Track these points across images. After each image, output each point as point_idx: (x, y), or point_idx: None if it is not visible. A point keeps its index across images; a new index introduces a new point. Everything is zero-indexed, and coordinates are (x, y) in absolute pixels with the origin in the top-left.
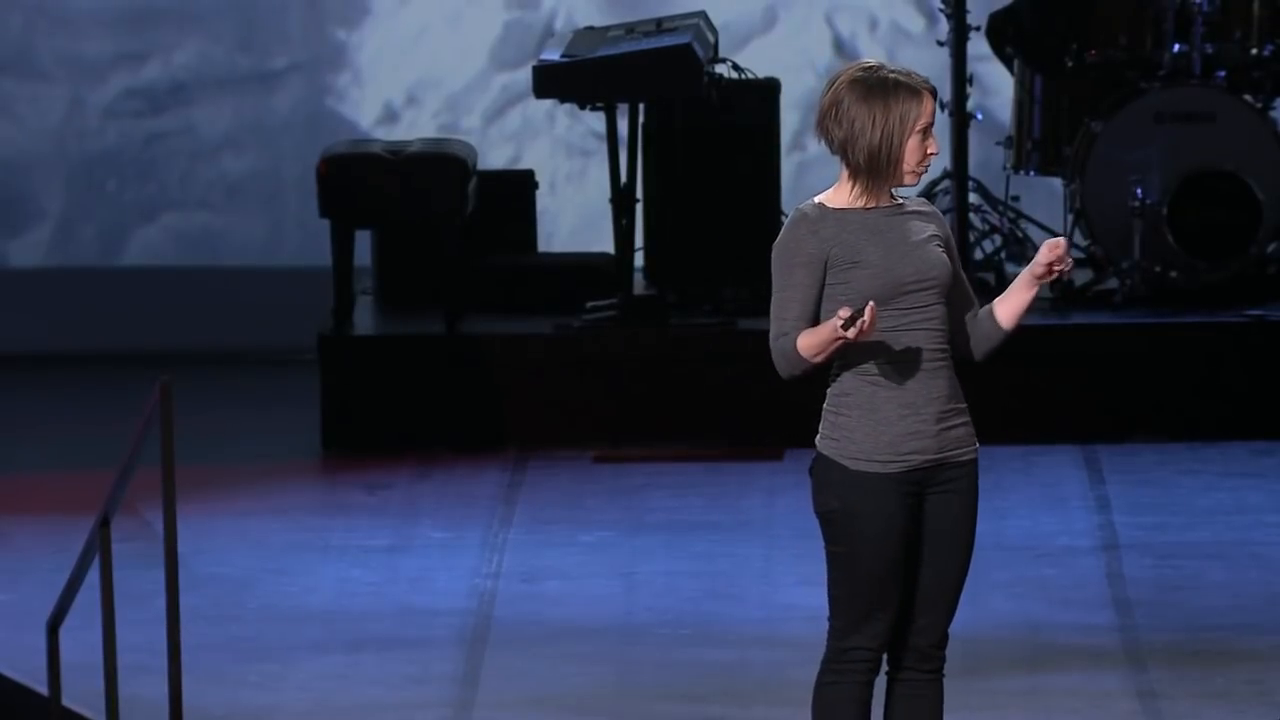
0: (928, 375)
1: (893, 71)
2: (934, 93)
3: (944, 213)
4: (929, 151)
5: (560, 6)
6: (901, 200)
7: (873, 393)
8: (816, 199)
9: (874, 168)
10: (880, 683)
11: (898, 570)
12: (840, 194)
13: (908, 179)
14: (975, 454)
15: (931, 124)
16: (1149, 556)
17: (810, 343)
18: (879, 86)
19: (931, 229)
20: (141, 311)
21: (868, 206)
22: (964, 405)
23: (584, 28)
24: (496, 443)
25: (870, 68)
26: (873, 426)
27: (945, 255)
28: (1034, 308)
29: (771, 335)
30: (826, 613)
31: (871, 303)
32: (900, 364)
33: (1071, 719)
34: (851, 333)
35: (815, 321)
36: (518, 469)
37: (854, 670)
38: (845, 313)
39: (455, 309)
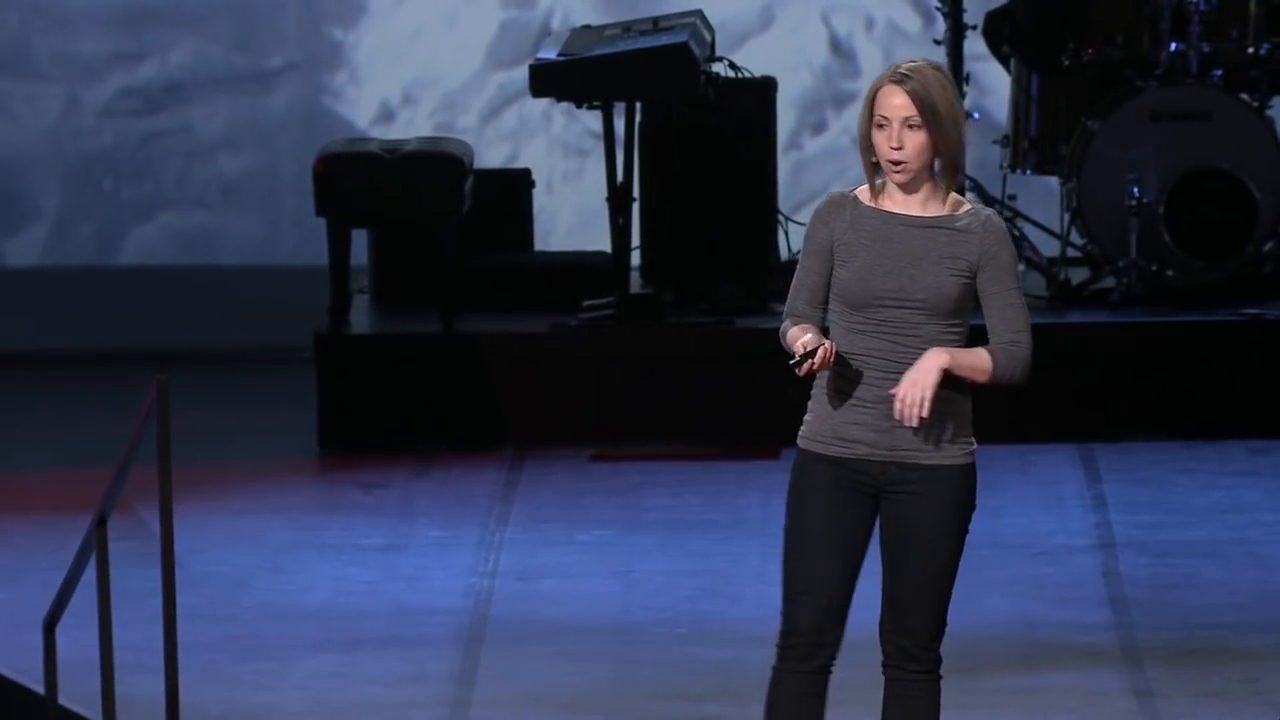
0: (886, 379)
1: (900, 65)
2: (902, 83)
3: None
4: (891, 146)
5: (557, 5)
6: (952, 213)
7: (834, 384)
8: (859, 188)
9: (863, 162)
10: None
11: (823, 554)
12: (876, 190)
13: (888, 175)
14: (949, 460)
15: (895, 118)
16: (1145, 555)
17: (786, 341)
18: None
19: (957, 250)
20: (138, 311)
21: (893, 210)
22: (939, 413)
23: (580, 26)
24: (493, 441)
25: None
26: (820, 409)
27: (956, 280)
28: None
29: (785, 308)
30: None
31: (827, 343)
32: (865, 366)
33: (1068, 717)
34: (801, 370)
35: (823, 304)
36: (514, 468)
37: (788, 659)
38: (801, 349)
39: (452, 308)
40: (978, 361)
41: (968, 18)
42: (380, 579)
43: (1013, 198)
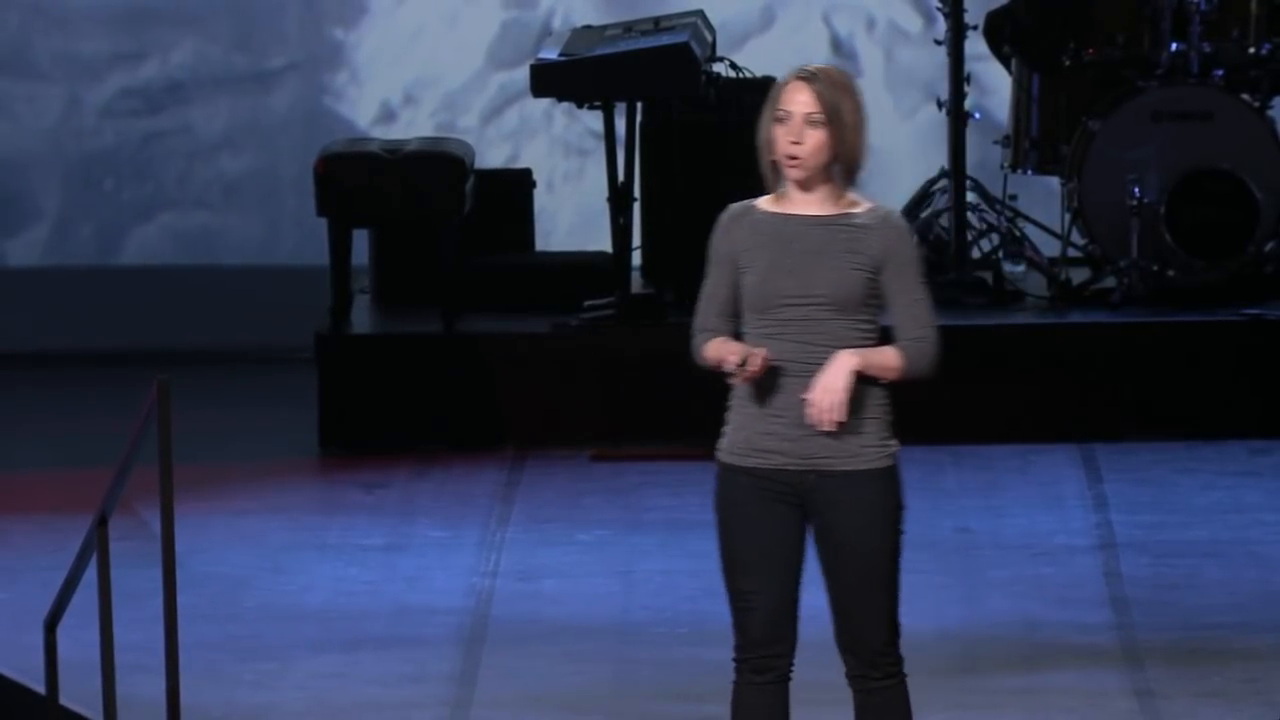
0: (798, 384)
1: (808, 65)
2: (808, 81)
3: (941, 212)
4: (789, 140)
5: (558, 5)
6: (850, 211)
7: (748, 393)
8: (758, 199)
9: (763, 164)
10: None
11: (759, 569)
12: (776, 196)
13: (785, 171)
14: (867, 464)
15: (796, 113)
16: (1146, 555)
17: (711, 356)
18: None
19: (857, 246)
20: (139, 311)
21: (791, 212)
22: (853, 418)
23: (581, 26)
24: (494, 441)
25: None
26: (737, 420)
27: (858, 274)
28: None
29: (694, 325)
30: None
31: (764, 352)
32: (775, 370)
33: (1069, 717)
34: (736, 380)
35: (734, 316)
36: (515, 468)
37: (744, 672)
38: (735, 359)
39: (453, 308)
40: (886, 360)
41: (969, 18)
42: (381, 579)
43: (1014, 198)
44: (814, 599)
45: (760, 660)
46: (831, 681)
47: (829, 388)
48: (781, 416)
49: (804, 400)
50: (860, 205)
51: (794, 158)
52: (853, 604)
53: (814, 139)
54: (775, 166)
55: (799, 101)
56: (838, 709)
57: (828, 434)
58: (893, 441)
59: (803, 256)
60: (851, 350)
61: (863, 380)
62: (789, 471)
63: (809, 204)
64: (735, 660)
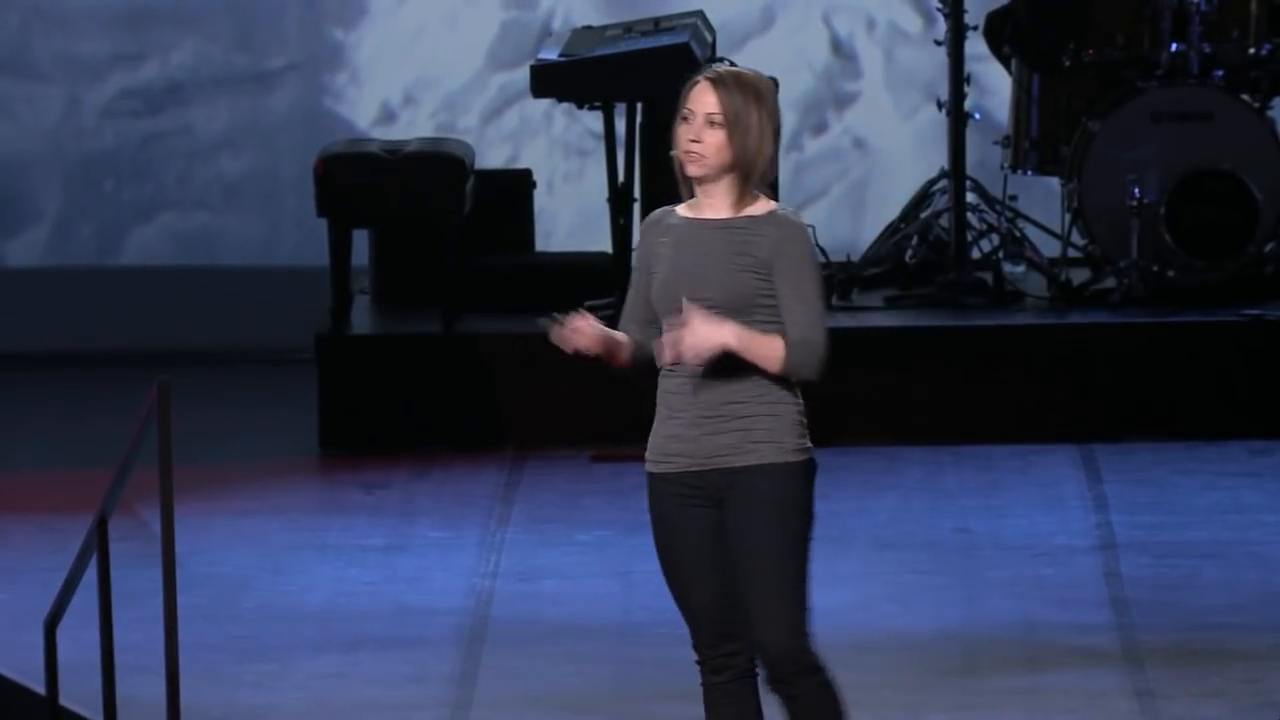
0: (697, 384)
1: (721, 67)
2: (715, 84)
3: (940, 213)
4: (688, 139)
5: (558, 6)
6: (752, 213)
7: (660, 397)
8: (678, 205)
9: (677, 170)
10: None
11: (687, 573)
12: (691, 203)
13: (685, 167)
14: (764, 460)
15: (699, 112)
16: (1146, 556)
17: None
18: None
19: (747, 247)
20: (139, 311)
21: (696, 216)
22: (756, 415)
23: (581, 27)
24: (494, 442)
25: None
26: (654, 429)
27: (747, 275)
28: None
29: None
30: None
31: (586, 325)
32: (677, 373)
33: (1069, 718)
34: (664, 361)
35: (653, 323)
36: (515, 468)
37: (704, 673)
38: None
39: (453, 308)
40: (770, 349)
41: (969, 18)
42: (381, 580)
43: (1014, 198)
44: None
45: (716, 660)
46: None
47: (699, 330)
48: (679, 417)
49: (701, 398)
50: (766, 208)
51: (690, 154)
52: (754, 603)
53: (713, 140)
54: (677, 162)
55: (703, 102)
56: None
57: (722, 432)
58: (798, 442)
59: (697, 260)
60: (740, 326)
61: (765, 383)
62: (695, 473)
63: (713, 208)
64: (696, 663)
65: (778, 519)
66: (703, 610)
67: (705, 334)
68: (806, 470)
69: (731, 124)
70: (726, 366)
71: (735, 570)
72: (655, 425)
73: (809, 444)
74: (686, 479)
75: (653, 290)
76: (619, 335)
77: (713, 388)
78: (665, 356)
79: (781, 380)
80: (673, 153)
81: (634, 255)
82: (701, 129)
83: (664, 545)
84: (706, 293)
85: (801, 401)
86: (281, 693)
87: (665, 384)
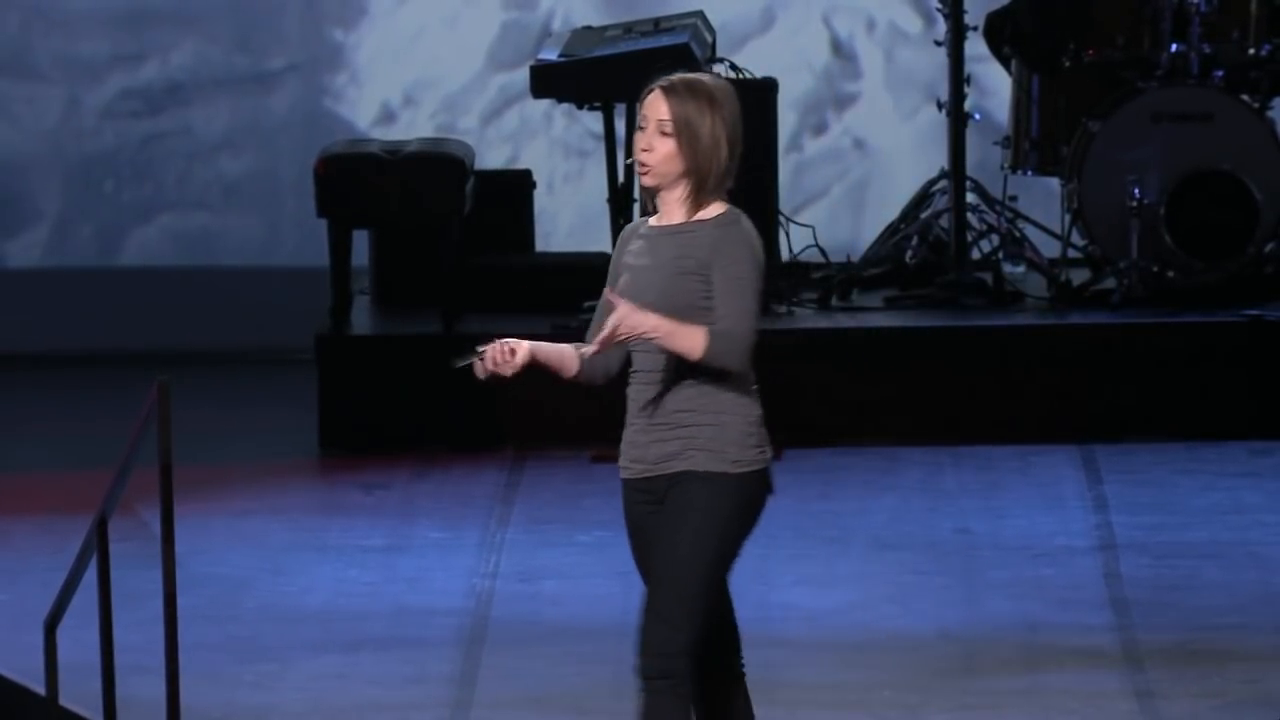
0: (646, 390)
1: (677, 75)
2: (667, 92)
3: (941, 213)
4: (640, 147)
5: (558, 6)
6: (701, 218)
7: (627, 404)
8: (651, 216)
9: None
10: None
11: (643, 576)
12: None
13: (639, 177)
14: (700, 466)
15: (651, 119)
16: (1146, 556)
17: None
18: None
19: (689, 250)
20: (139, 312)
21: (656, 224)
22: (700, 424)
23: (581, 27)
24: (494, 443)
25: None
26: (623, 433)
27: (689, 278)
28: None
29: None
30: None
31: (506, 345)
32: (634, 378)
33: (1069, 719)
34: (481, 372)
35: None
36: (515, 469)
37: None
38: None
39: (453, 309)
40: (690, 339)
41: (969, 19)
42: (381, 580)
43: (1014, 199)
44: (809, 599)
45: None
46: (828, 682)
47: (634, 311)
48: (635, 424)
49: (652, 405)
50: (714, 211)
51: (643, 164)
52: (649, 600)
53: (664, 148)
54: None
55: (655, 110)
56: (835, 710)
57: (667, 439)
58: (741, 454)
59: (648, 269)
60: (664, 318)
61: (706, 382)
62: (648, 478)
63: (669, 215)
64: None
65: (691, 526)
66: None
67: (627, 319)
68: (746, 483)
69: (682, 132)
70: (679, 375)
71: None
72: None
73: (760, 456)
74: (641, 484)
75: (603, 301)
76: (563, 348)
77: (665, 396)
78: (596, 340)
79: (734, 390)
80: (628, 161)
81: (611, 269)
82: (652, 137)
83: (632, 548)
84: (650, 297)
85: (756, 413)
86: (281, 693)
87: (629, 391)
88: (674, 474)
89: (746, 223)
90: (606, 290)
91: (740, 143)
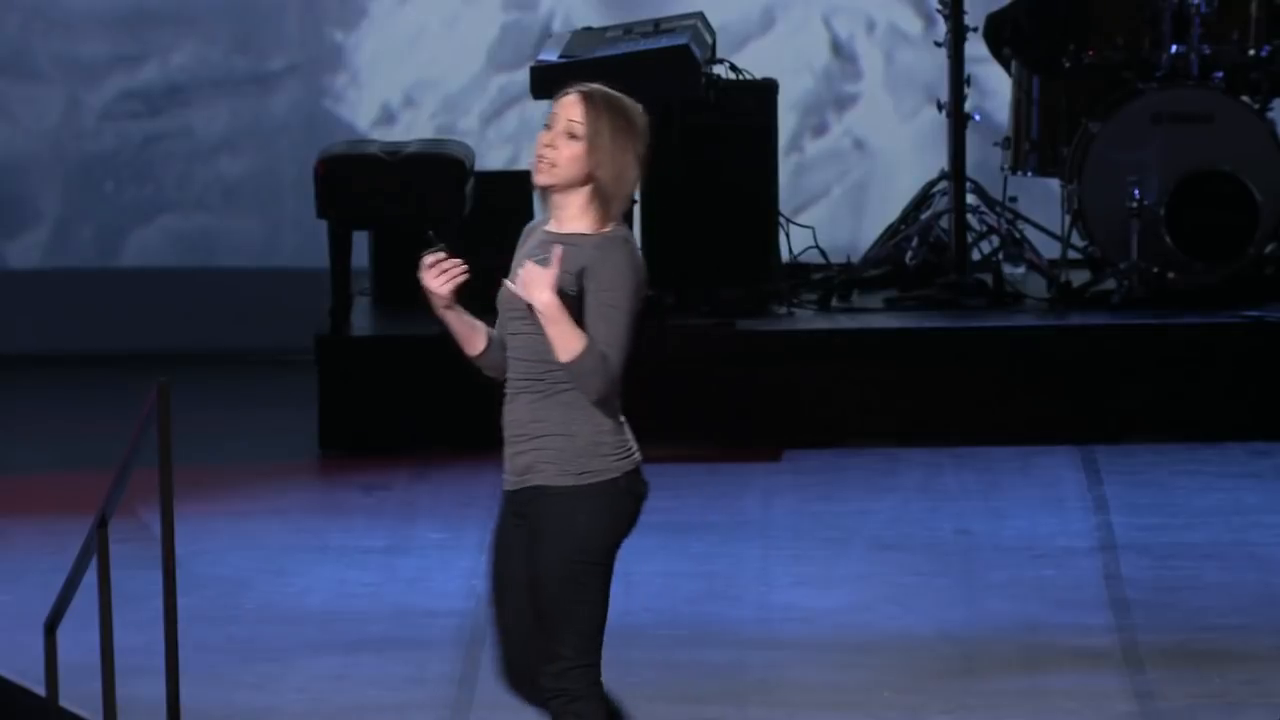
0: (510, 400)
1: (596, 85)
2: (584, 98)
3: (941, 214)
4: (543, 142)
5: (558, 7)
6: (589, 232)
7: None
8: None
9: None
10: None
11: (501, 596)
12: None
13: (535, 173)
14: (547, 481)
15: (561, 118)
16: (1147, 557)
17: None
18: None
19: (569, 264)
20: (139, 312)
21: (548, 229)
22: (550, 435)
23: (582, 28)
24: (494, 443)
25: None
26: None
27: (563, 292)
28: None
29: None
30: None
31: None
32: (506, 389)
33: (1069, 719)
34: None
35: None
36: None
37: (508, 692)
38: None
39: None
40: (571, 338)
41: (969, 20)
42: (381, 581)
43: (1014, 200)
44: (810, 600)
45: (511, 688)
46: (828, 683)
47: (545, 277)
48: (505, 436)
49: (514, 417)
50: (603, 228)
51: (542, 159)
52: (535, 624)
53: (568, 150)
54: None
55: (569, 112)
56: (835, 711)
57: (525, 451)
58: (587, 464)
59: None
60: (562, 308)
61: (564, 395)
62: (512, 491)
63: (563, 222)
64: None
65: (551, 546)
66: (502, 634)
67: (539, 283)
68: (594, 493)
69: (591, 140)
70: (537, 387)
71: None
72: None
73: (614, 465)
74: (515, 497)
75: (500, 296)
76: (477, 323)
77: (523, 408)
78: (507, 291)
79: (589, 404)
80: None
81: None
82: (558, 136)
83: (493, 565)
84: (517, 303)
85: (609, 424)
86: (282, 694)
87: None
88: (532, 487)
89: (632, 244)
90: (505, 282)
91: (642, 171)
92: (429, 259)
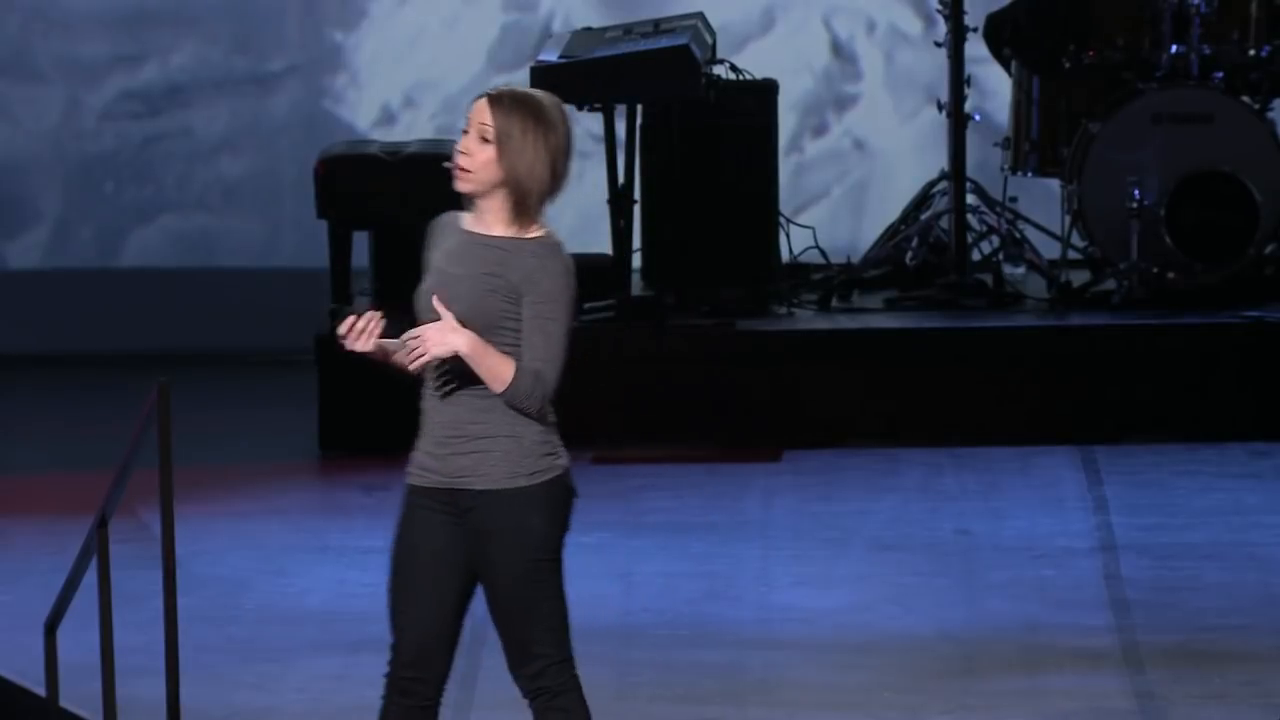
0: (439, 402)
1: (510, 87)
2: (492, 101)
3: (941, 214)
4: (459, 152)
5: (558, 8)
6: (519, 236)
7: (423, 412)
8: (468, 213)
9: None
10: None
11: (410, 587)
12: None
13: (455, 181)
14: (497, 484)
15: (473, 124)
16: (1147, 557)
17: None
18: None
19: (501, 269)
20: (139, 313)
21: (470, 230)
22: (494, 437)
23: (581, 29)
24: None
25: None
26: (417, 441)
27: (493, 297)
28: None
29: None
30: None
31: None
32: (429, 389)
33: None
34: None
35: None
36: None
37: (391, 690)
38: (344, 327)
39: None
40: (500, 368)
41: (969, 20)
42: (381, 581)
43: (1014, 200)
44: (810, 600)
45: (405, 682)
46: (828, 683)
47: (439, 331)
48: (430, 435)
49: (447, 418)
50: (538, 234)
51: (459, 167)
52: (496, 622)
53: (481, 156)
54: None
55: (480, 115)
56: (835, 711)
57: (464, 453)
58: (537, 464)
59: (452, 274)
60: (478, 338)
61: (495, 396)
62: (441, 490)
63: (486, 224)
64: (386, 676)
65: (512, 544)
66: (410, 625)
67: (442, 336)
68: (545, 493)
69: (502, 143)
70: (472, 386)
71: (486, 590)
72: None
73: (556, 464)
74: (435, 494)
75: (417, 295)
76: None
77: (457, 407)
78: (399, 352)
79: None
80: (445, 164)
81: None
82: (472, 142)
83: (397, 554)
84: (457, 306)
85: (549, 423)
86: (282, 694)
87: (424, 400)
88: (474, 490)
89: (564, 252)
90: (425, 283)
91: (567, 164)
92: (342, 330)
